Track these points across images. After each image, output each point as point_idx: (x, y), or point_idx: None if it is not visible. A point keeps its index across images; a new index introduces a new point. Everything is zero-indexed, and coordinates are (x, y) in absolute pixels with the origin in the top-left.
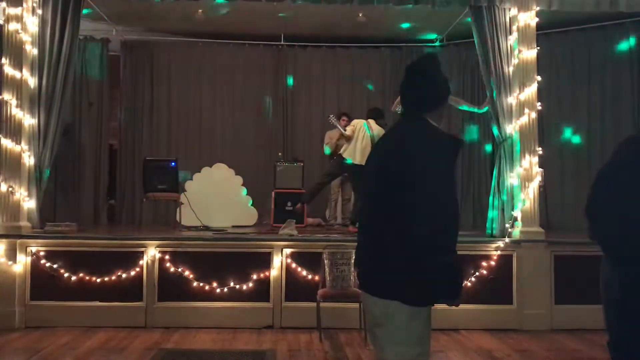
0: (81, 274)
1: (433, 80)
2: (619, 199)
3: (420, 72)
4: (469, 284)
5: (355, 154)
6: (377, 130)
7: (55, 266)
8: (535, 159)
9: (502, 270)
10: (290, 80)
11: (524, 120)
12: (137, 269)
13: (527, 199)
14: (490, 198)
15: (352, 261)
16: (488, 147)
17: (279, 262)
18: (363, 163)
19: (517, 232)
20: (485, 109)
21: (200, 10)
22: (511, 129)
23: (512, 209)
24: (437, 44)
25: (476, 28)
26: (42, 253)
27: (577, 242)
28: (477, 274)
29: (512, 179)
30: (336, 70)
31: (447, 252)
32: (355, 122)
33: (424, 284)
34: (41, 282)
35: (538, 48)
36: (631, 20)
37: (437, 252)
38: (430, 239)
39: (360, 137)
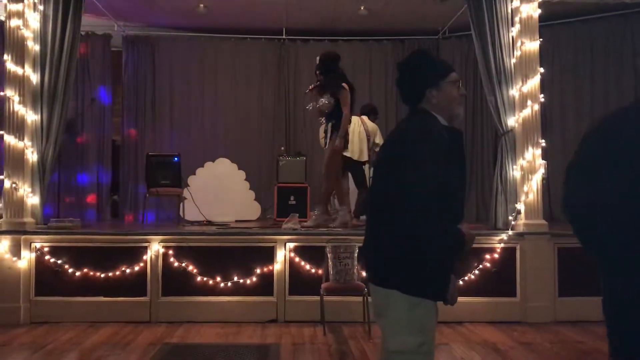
0: (85, 270)
1: (408, 72)
2: None
3: (402, 66)
4: (472, 276)
5: (353, 150)
6: (371, 126)
7: (59, 262)
8: (538, 151)
9: (506, 263)
10: None
11: (526, 112)
12: (141, 264)
13: (530, 191)
14: (494, 191)
15: (356, 255)
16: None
17: (282, 256)
18: (361, 159)
19: (520, 224)
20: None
21: (201, 5)
22: (513, 121)
23: (516, 202)
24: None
25: (474, 20)
26: (46, 249)
27: None
28: (480, 266)
29: (515, 171)
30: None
31: (441, 243)
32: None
33: (420, 274)
34: (46, 277)
35: (540, 40)
36: (634, 12)
37: (429, 244)
38: (423, 230)
39: (356, 132)
